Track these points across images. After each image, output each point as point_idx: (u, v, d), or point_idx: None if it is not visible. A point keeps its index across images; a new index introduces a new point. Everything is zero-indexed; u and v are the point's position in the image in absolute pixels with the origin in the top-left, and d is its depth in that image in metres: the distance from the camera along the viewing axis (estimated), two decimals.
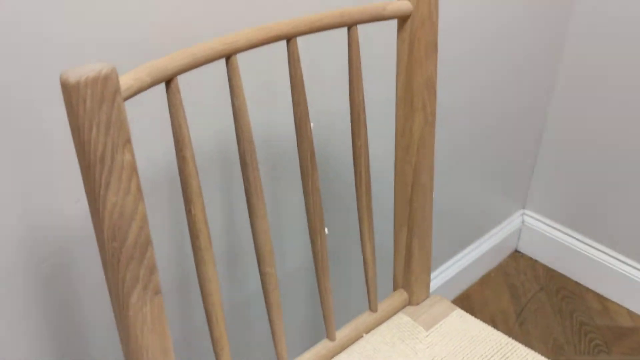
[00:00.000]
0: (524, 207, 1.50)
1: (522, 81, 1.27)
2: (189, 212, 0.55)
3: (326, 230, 0.69)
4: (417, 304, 0.80)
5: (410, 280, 0.79)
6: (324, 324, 0.73)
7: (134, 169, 0.47)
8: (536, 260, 1.50)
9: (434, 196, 0.75)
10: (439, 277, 1.34)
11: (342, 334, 0.74)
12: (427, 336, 0.76)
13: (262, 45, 0.57)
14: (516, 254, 1.52)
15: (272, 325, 0.66)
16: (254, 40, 0.56)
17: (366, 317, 0.77)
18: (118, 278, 0.49)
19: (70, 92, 0.42)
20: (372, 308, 0.77)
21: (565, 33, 1.28)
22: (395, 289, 0.81)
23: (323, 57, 0.84)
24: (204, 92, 0.72)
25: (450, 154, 1.19)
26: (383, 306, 0.78)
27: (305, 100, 0.62)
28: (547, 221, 1.46)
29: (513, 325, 1.33)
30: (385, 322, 0.78)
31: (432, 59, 0.67)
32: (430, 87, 0.68)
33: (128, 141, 0.46)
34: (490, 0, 1.07)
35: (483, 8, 1.07)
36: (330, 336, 0.73)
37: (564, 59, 1.30)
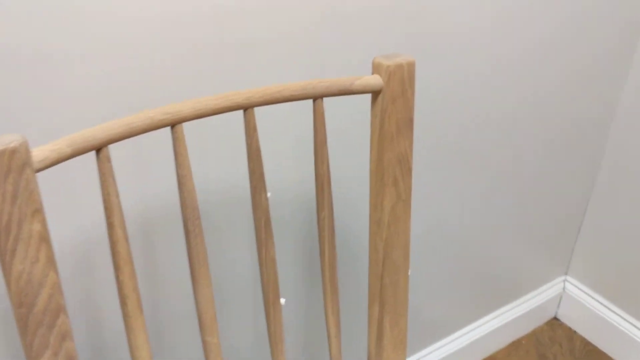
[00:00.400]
0: (566, 274, 1.40)
1: (573, 141, 1.18)
2: (117, 278, 0.55)
3: (282, 300, 0.67)
4: None
5: (382, 356, 0.75)
6: None
7: (43, 239, 0.47)
8: (575, 331, 1.39)
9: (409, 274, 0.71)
10: (465, 337, 1.27)
11: None
12: None
13: (211, 114, 0.56)
14: (554, 322, 1.42)
15: None
16: (202, 110, 0.55)
17: None
18: (26, 343, 0.50)
19: None
20: None
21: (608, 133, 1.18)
22: None
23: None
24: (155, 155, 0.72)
25: (491, 209, 1.13)
26: None
27: (261, 169, 0.60)
28: (590, 291, 1.35)
29: None
30: None
31: (405, 136, 0.63)
32: (404, 163, 0.64)
33: (37, 211, 0.47)
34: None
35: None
36: None
37: (612, 129, 1.20)
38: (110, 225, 0.53)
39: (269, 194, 0.61)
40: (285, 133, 0.78)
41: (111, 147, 0.65)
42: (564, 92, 1.10)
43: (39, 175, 0.63)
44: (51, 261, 0.48)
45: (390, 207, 0.66)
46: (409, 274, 0.71)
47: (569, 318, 1.40)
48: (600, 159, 1.25)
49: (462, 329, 1.27)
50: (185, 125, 0.69)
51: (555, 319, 1.43)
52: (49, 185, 0.65)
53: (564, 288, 1.40)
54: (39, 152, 0.47)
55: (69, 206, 0.68)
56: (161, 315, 0.81)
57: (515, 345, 1.36)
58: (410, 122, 0.63)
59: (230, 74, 0.71)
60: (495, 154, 1.07)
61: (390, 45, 0.81)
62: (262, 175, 0.60)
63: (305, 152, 0.81)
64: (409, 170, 0.65)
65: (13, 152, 0.44)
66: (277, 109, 0.76)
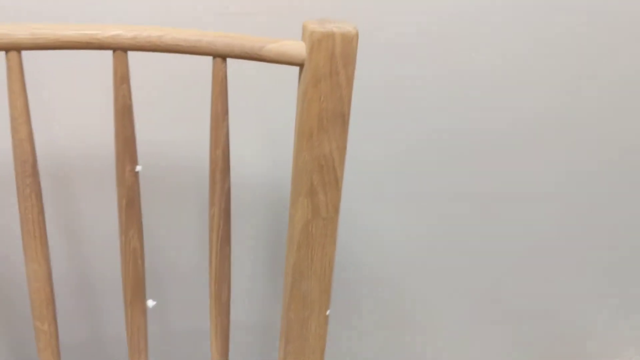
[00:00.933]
0: (637, 353, 1.13)
1: None
2: None
3: (150, 303, 0.54)
4: None
5: None
6: None
7: None
8: None
9: None
10: None
11: None
12: None
13: (62, 49, 0.43)
14: None
15: None
16: (42, 41, 0.42)
17: None
18: None
19: None
20: None
21: None
22: None
23: None
24: None
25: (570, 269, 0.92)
26: None
27: (131, 132, 0.47)
28: None
29: None
30: None
31: (330, 134, 0.47)
32: (327, 170, 0.48)
33: None
34: None
35: None
36: None
37: None
38: None
39: (138, 168, 0.48)
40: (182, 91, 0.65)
41: None
42: None
43: None
44: None
45: (303, 224, 0.50)
46: (328, 313, 0.55)
47: None
48: None
49: None
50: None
51: None
52: None
53: None
54: None
55: None
56: None
57: None
58: (340, 117, 0.46)
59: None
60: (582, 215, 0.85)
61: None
62: (130, 141, 0.47)
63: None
64: (335, 181, 0.49)
65: None
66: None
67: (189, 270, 0.76)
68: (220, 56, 0.45)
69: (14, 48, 0.42)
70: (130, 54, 0.44)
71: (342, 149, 0.48)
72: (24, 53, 0.43)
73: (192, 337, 0.82)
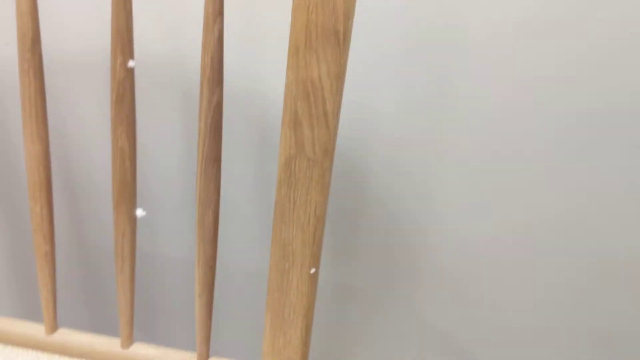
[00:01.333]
0: None
1: None
2: None
3: (140, 212, 0.51)
4: None
5: None
6: None
7: None
8: None
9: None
10: None
11: None
12: None
13: None
14: None
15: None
16: None
17: None
18: None
19: None
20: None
21: None
22: None
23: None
24: None
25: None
26: None
27: (126, 28, 0.44)
28: None
29: None
30: None
31: (321, 54, 0.39)
32: (315, 99, 0.40)
33: None
34: None
35: None
36: None
37: None
38: None
39: (131, 63, 0.45)
40: None
41: None
42: None
43: None
44: None
45: (285, 159, 0.43)
46: (312, 271, 0.48)
47: None
48: None
49: None
50: None
51: None
52: None
53: None
54: None
55: None
56: None
57: None
58: (334, 34, 0.38)
59: None
60: None
61: None
62: (122, 31, 0.44)
63: None
64: (324, 115, 0.41)
65: None
66: None
67: (180, 184, 0.72)
68: None
69: None
70: None
71: (336, 76, 0.40)
72: None
73: (180, 265, 0.78)
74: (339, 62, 0.39)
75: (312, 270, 0.47)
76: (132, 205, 0.50)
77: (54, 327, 0.57)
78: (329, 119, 0.41)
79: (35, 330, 0.57)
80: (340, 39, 0.39)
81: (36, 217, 0.52)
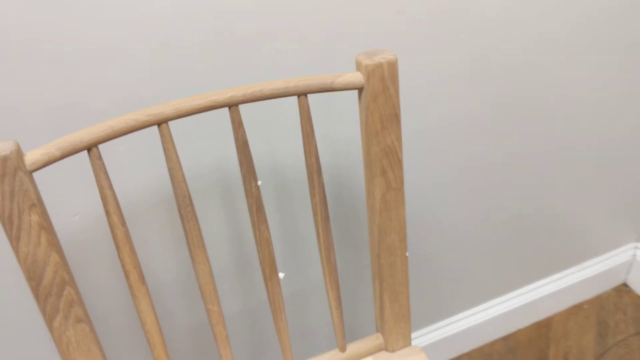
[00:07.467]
0: (638, 240, 1.33)
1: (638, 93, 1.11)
2: (119, 256, 0.63)
3: (282, 275, 0.73)
4: (393, 351, 0.81)
5: (384, 328, 0.79)
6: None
7: (42, 227, 0.56)
8: None
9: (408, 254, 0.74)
10: (522, 297, 1.27)
11: None
12: None
13: (195, 113, 0.61)
14: (622, 288, 1.37)
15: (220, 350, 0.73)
16: (183, 111, 0.60)
17: (333, 355, 0.80)
18: (41, 307, 0.60)
19: None
20: (340, 348, 0.79)
21: None
22: (376, 331, 0.82)
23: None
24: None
25: (552, 169, 1.11)
26: (354, 347, 0.80)
27: (249, 160, 0.65)
28: None
29: None
30: None
31: (390, 130, 0.65)
32: (392, 156, 0.66)
33: (34, 205, 0.55)
34: None
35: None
36: None
37: None
38: (107, 213, 0.61)
39: (259, 182, 0.66)
40: (276, 124, 0.83)
41: (114, 141, 0.73)
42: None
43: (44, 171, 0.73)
44: (52, 244, 0.57)
45: (381, 195, 0.69)
46: (407, 255, 0.74)
47: (638, 286, 1.35)
48: None
49: (518, 290, 1.27)
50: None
51: (625, 285, 1.38)
52: (57, 177, 0.75)
53: (634, 255, 1.34)
54: (31, 156, 0.55)
55: (80, 195, 0.77)
56: (163, 286, 0.91)
57: (576, 309, 1.34)
58: (395, 117, 0.64)
59: (232, 67, 0.75)
60: (571, 110, 1.03)
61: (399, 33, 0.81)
62: (251, 166, 0.65)
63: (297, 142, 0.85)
64: (398, 161, 0.67)
65: (5, 159, 0.52)
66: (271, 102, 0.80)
67: (308, 245, 0.95)
68: (303, 94, 0.63)
69: (163, 121, 0.60)
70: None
71: (399, 139, 0.66)
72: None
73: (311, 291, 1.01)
74: (399, 131, 0.65)
75: (407, 254, 0.74)
76: (277, 273, 0.72)
77: None
78: (401, 163, 0.67)
79: None
80: (398, 118, 0.65)
81: (214, 315, 0.71)
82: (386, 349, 0.81)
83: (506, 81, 0.96)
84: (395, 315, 0.78)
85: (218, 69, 0.75)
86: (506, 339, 1.29)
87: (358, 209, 0.98)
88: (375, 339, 0.81)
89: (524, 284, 1.27)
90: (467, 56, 0.90)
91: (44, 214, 0.56)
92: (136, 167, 0.79)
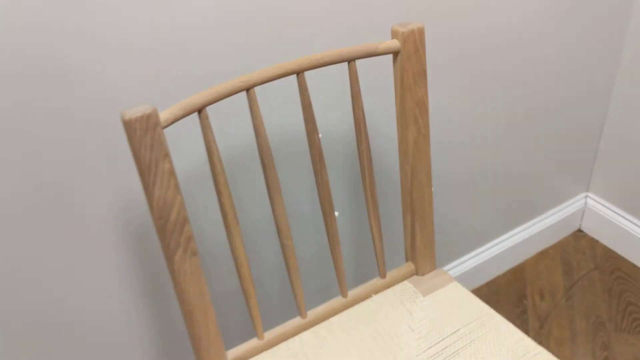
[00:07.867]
0: (587, 190, 1.58)
1: (588, 60, 1.35)
2: (219, 199, 0.78)
3: (337, 213, 0.90)
4: (423, 274, 0.98)
5: (415, 255, 0.97)
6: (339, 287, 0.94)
7: (171, 173, 0.71)
8: (597, 241, 1.58)
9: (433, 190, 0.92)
10: (497, 246, 1.48)
11: (353, 293, 0.95)
12: (423, 301, 0.94)
13: (274, 80, 0.77)
14: (578, 233, 1.61)
15: (293, 285, 0.89)
16: (265, 77, 0.76)
17: (376, 282, 0.97)
18: (165, 244, 0.74)
19: (125, 125, 0.66)
20: (381, 275, 0.97)
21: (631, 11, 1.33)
22: (406, 261, 1.00)
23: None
24: None
25: (515, 131, 1.32)
26: (392, 274, 0.97)
27: (312, 118, 0.82)
28: (610, 205, 1.53)
29: (560, 298, 1.44)
30: (392, 287, 0.97)
31: (420, 85, 0.83)
32: (421, 106, 0.85)
33: (166, 155, 0.70)
34: None
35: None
36: (343, 294, 0.94)
37: (628, 37, 1.35)
38: (211, 162, 0.76)
39: (320, 135, 0.83)
40: (331, 88, 1.00)
41: (210, 107, 0.89)
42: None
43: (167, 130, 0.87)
44: (177, 188, 0.72)
45: (413, 140, 0.87)
46: (432, 190, 0.93)
47: (591, 230, 1.59)
48: (616, 72, 1.40)
49: (495, 240, 1.48)
50: (259, 88, 0.91)
51: (580, 230, 1.62)
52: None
53: (585, 203, 1.58)
54: (163, 115, 0.70)
55: (187, 149, 0.92)
56: (249, 227, 1.06)
57: (543, 254, 1.56)
58: (423, 73, 0.83)
59: (288, 45, 0.92)
60: (518, 73, 1.25)
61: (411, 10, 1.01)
62: (313, 122, 0.82)
63: (348, 101, 1.03)
64: (426, 110, 0.86)
65: (149, 116, 0.67)
66: (325, 72, 0.98)
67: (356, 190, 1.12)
68: (353, 59, 0.80)
69: (251, 87, 0.76)
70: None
71: (426, 91, 0.84)
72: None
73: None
74: (426, 84, 0.84)
75: (432, 189, 0.92)
76: (333, 211, 0.88)
77: None
78: (428, 112, 0.86)
79: None
80: (426, 75, 0.83)
81: (288, 249, 0.86)
82: (417, 274, 0.99)
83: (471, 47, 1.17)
84: (425, 242, 0.96)
85: (266, 50, 0.92)
86: (489, 284, 1.50)
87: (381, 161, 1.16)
88: (407, 267, 0.99)
89: (498, 234, 1.48)
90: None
91: (171, 163, 0.71)
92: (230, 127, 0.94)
